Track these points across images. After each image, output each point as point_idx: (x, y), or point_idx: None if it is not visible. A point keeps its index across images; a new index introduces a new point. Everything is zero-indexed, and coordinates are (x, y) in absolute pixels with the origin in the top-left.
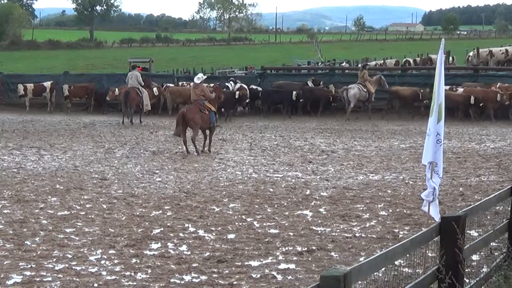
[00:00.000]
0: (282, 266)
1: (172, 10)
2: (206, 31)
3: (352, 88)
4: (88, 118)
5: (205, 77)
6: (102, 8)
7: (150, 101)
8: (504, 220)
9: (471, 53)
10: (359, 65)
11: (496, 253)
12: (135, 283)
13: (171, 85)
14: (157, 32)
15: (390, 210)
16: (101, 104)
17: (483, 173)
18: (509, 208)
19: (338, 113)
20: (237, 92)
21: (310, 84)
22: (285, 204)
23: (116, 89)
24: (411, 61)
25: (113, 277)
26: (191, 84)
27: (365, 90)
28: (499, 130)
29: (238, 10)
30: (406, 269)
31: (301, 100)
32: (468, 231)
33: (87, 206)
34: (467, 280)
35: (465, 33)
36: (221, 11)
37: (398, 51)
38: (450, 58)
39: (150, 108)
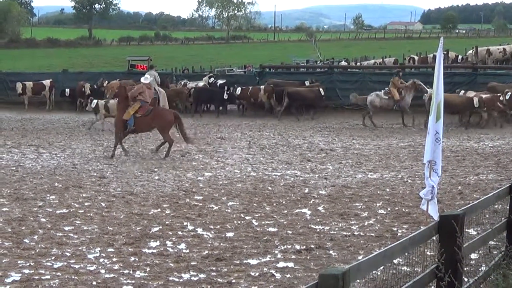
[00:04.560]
0: (281, 264)
1: (171, 8)
2: (205, 29)
3: (369, 95)
4: (86, 117)
5: (152, 78)
6: (101, 6)
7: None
8: (502, 218)
9: (470, 51)
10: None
11: (494, 252)
12: (133, 282)
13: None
14: (156, 30)
15: (389, 209)
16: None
17: (481, 172)
18: (508, 207)
19: (334, 112)
20: (226, 91)
21: (307, 83)
22: (283, 202)
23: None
24: (416, 58)
25: (112, 275)
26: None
27: (387, 97)
28: (497, 128)
29: (237, 9)
30: (405, 268)
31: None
32: (466, 230)
33: (86, 204)
34: (465, 279)
35: (464, 31)
36: (220, 9)
37: (397, 50)
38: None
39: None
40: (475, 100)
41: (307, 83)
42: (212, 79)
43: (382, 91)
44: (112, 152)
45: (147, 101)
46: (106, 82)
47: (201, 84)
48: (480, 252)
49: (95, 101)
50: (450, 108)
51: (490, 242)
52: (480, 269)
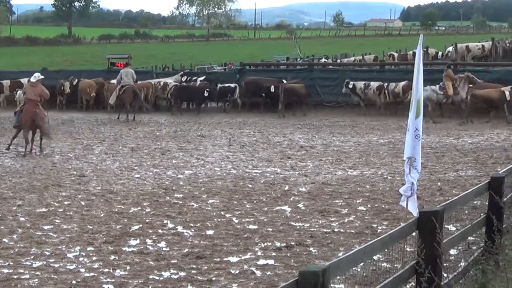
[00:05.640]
0: (261, 261)
1: (151, 6)
2: (185, 27)
3: (425, 90)
4: (66, 115)
5: (42, 76)
6: (81, 4)
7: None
8: (481, 214)
9: (449, 48)
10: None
11: (474, 248)
12: (113, 280)
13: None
14: (136, 28)
15: (369, 205)
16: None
17: (461, 168)
18: (487, 203)
19: (314, 109)
20: (206, 88)
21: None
22: (264, 200)
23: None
24: (396, 55)
25: (92, 274)
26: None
27: (442, 92)
28: (476, 125)
29: (217, 6)
30: (385, 264)
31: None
32: (446, 226)
33: (65, 203)
34: (445, 274)
35: (443, 28)
36: (200, 7)
37: (376, 47)
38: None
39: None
40: (507, 93)
41: (284, 81)
42: (184, 77)
43: (437, 86)
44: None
45: (30, 99)
46: (76, 80)
47: (169, 81)
48: (460, 248)
49: (19, 92)
50: (488, 103)
51: (469, 238)
52: (459, 265)
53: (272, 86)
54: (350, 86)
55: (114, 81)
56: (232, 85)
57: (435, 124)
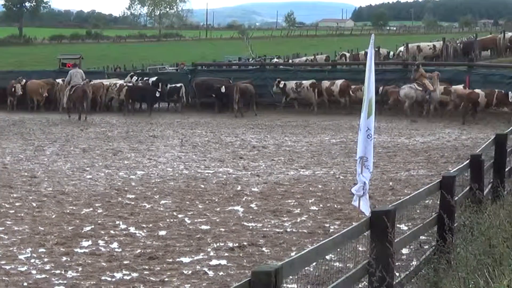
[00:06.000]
0: (214, 262)
1: (102, 7)
2: (137, 27)
3: (402, 88)
4: (17, 116)
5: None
6: (32, 4)
7: None
8: (433, 213)
9: (401, 48)
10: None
11: (425, 247)
12: (65, 282)
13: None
14: (88, 28)
15: (321, 205)
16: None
17: (412, 168)
18: (438, 202)
19: (266, 109)
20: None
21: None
22: (216, 200)
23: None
24: (347, 55)
25: (43, 275)
26: None
27: (420, 89)
28: (427, 124)
29: (169, 6)
30: (337, 264)
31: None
32: (398, 225)
33: (17, 204)
34: (397, 274)
35: (395, 28)
36: (152, 7)
37: (328, 47)
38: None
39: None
40: (510, 94)
41: (230, 81)
42: (134, 78)
43: (413, 84)
44: None
45: None
46: (24, 81)
47: (114, 81)
48: (411, 247)
49: None
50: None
51: (421, 237)
52: (411, 264)
53: (223, 87)
54: (281, 86)
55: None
56: (178, 85)
57: (414, 123)
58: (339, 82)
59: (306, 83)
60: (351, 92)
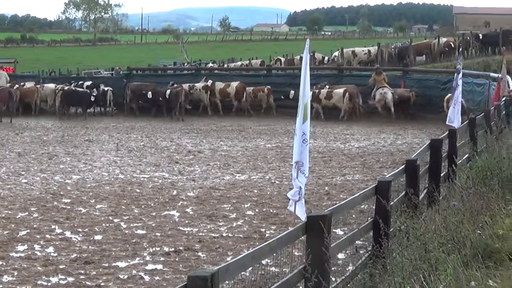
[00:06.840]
0: (150, 266)
1: (37, 11)
2: (72, 31)
3: (387, 93)
4: None
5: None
6: None
7: None
8: (369, 218)
9: (336, 53)
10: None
11: (361, 252)
12: (1, 286)
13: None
14: (22, 32)
15: (257, 210)
16: None
17: (348, 172)
18: (374, 207)
19: (201, 114)
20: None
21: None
22: (152, 204)
23: None
24: (283, 60)
25: None
26: None
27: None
28: (363, 129)
29: (103, 11)
30: (273, 268)
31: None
32: (334, 230)
33: None
34: (333, 278)
35: (330, 33)
36: (87, 11)
37: (263, 52)
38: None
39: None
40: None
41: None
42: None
43: (385, 88)
44: None
45: None
46: None
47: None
48: (347, 252)
49: None
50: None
51: (357, 242)
52: (347, 269)
53: (150, 92)
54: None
55: None
56: (106, 88)
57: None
58: (234, 84)
59: (199, 85)
60: (245, 94)
